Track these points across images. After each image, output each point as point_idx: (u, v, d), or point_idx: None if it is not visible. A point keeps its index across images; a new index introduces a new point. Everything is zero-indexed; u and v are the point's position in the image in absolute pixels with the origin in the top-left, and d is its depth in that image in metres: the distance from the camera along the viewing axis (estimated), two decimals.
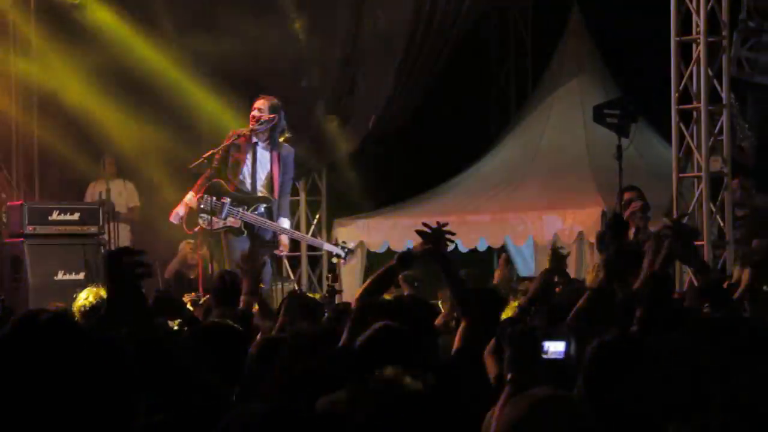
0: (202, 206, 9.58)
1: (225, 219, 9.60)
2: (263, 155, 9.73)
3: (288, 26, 12.27)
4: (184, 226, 9.76)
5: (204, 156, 9.58)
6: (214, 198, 9.57)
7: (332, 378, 3.11)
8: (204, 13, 12.11)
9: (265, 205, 9.74)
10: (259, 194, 9.74)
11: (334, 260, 10.32)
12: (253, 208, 9.69)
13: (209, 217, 9.50)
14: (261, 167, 9.74)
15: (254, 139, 9.68)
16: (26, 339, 1.95)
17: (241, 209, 9.63)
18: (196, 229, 9.72)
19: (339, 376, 3.15)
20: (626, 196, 9.97)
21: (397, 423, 2.44)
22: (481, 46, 14.58)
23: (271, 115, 9.63)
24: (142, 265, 3.53)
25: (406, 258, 5.31)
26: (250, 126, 9.65)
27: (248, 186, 9.73)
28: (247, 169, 9.70)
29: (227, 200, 9.60)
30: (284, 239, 9.86)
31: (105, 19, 11.98)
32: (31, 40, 12.21)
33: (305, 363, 3.30)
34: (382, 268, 5.25)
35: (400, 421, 2.44)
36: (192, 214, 9.65)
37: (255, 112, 9.66)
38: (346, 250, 10.13)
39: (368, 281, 5.18)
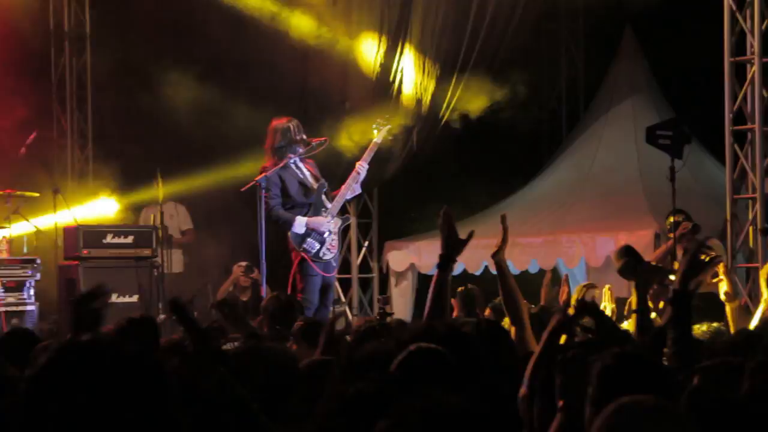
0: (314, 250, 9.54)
1: (331, 230, 9.63)
2: (302, 168, 9.72)
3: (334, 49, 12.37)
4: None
5: (257, 179, 9.53)
6: (309, 235, 9.54)
7: (386, 401, 3.09)
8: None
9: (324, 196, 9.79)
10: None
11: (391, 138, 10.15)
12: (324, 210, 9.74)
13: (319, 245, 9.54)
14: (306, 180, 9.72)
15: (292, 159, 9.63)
16: (67, 363, 1.97)
17: (329, 217, 9.64)
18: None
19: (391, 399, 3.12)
20: (672, 219, 9.92)
21: None
22: (531, 66, 14.52)
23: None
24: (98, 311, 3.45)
25: (447, 260, 5.09)
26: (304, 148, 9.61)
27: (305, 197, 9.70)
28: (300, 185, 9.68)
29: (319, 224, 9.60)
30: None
31: None
32: None
33: (357, 385, 3.28)
34: (431, 285, 5.13)
35: None
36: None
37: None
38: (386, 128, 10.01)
39: (427, 306, 5.06)
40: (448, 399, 2.54)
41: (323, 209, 9.63)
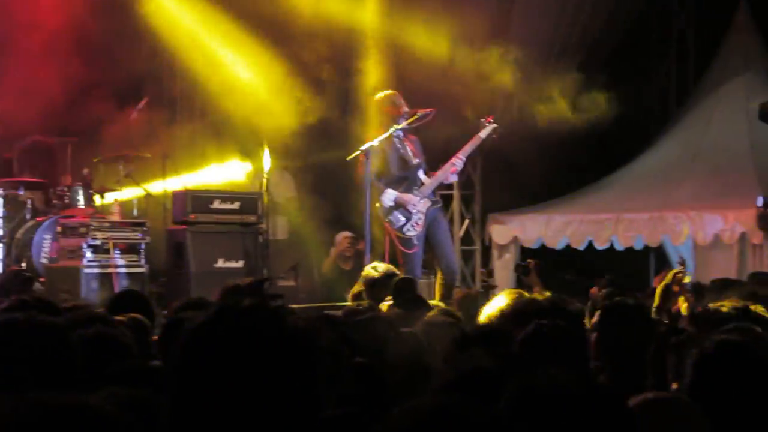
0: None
1: (420, 209, 9.61)
2: (403, 143, 9.75)
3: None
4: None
5: (361, 147, 9.55)
6: (397, 208, 9.56)
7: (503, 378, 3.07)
8: None
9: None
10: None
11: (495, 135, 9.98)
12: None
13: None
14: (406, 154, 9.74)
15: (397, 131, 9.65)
16: (228, 325, 1.99)
17: (419, 197, 9.62)
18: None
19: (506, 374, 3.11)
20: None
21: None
22: (641, 42, 14.29)
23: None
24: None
25: None
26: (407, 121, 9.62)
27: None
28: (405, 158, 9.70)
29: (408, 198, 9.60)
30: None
31: None
32: None
33: (476, 360, 3.27)
34: None
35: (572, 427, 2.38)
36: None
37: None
38: (492, 126, 9.82)
39: None
40: (567, 379, 2.51)
41: (415, 187, 9.62)
